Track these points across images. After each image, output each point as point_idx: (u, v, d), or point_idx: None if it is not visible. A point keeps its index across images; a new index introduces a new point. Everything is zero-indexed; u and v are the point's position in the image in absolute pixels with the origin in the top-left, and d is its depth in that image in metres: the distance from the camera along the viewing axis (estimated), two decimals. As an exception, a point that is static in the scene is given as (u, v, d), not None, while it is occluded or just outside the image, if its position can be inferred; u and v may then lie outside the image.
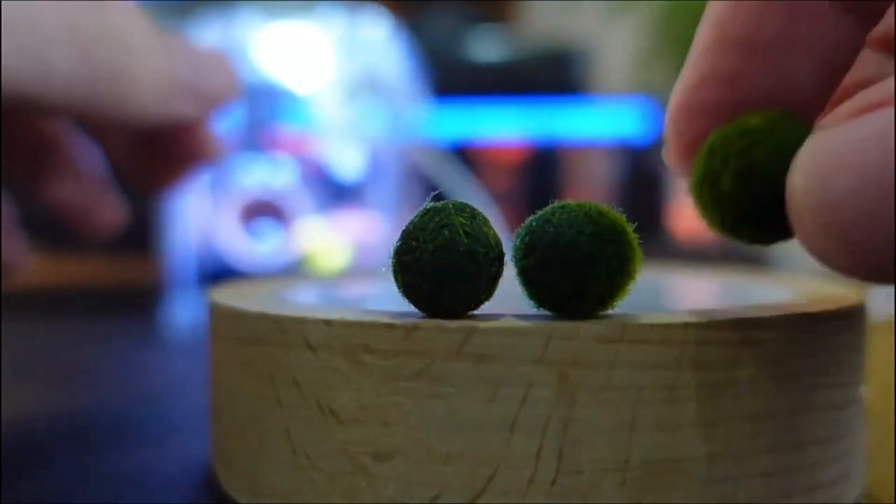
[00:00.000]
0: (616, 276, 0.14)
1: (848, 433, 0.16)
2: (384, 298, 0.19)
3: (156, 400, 0.28)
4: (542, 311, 0.14)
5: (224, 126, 0.42)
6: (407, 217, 0.15)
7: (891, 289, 0.34)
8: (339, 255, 0.48)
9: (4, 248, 0.25)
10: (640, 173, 0.74)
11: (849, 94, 0.15)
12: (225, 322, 0.17)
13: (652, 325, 0.13)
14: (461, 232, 0.14)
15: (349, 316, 0.14)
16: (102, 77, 0.19)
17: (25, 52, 0.17)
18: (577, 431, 0.13)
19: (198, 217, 0.47)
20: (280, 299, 0.18)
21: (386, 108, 0.49)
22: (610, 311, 0.14)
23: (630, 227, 0.14)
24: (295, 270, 0.46)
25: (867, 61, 0.16)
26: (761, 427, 0.14)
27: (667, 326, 0.13)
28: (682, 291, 0.22)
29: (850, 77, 0.16)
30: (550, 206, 0.14)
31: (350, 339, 0.14)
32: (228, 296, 0.18)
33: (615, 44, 0.85)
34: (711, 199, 0.14)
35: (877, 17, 0.15)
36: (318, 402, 0.15)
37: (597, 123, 0.71)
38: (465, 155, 0.65)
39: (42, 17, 0.18)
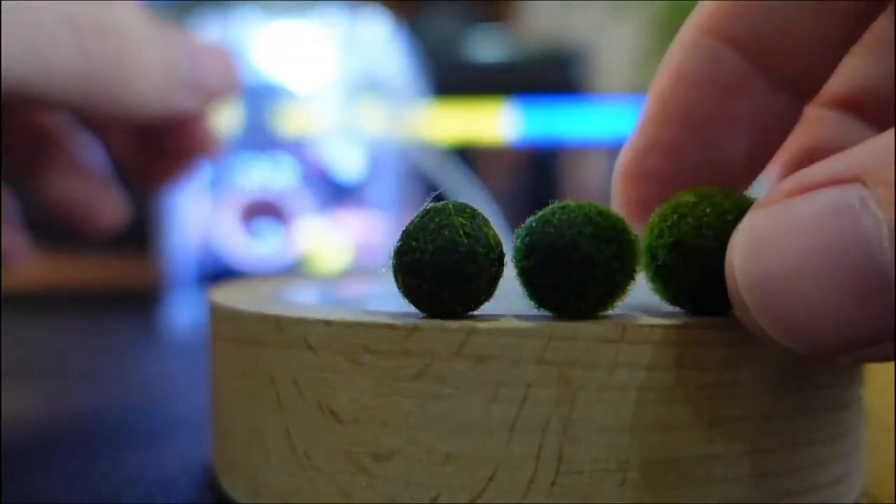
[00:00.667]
0: (616, 276, 0.14)
1: (848, 433, 0.16)
2: (384, 298, 0.19)
3: (156, 400, 0.28)
4: (542, 312, 0.14)
5: (223, 123, 0.42)
6: (407, 217, 0.15)
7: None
8: (339, 255, 0.48)
9: (4, 240, 0.25)
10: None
11: (793, 158, 0.16)
12: (225, 322, 0.17)
13: (652, 325, 0.13)
14: (461, 232, 0.14)
15: (349, 316, 0.14)
16: (101, 70, 0.19)
17: (24, 45, 0.17)
18: (577, 431, 0.13)
19: (198, 217, 0.47)
20: (280, 299, 0.18)
21: (386, 108, 0.49)
22: (610, 311, 0.14)
23: (630, 227, 0.14)
24: (295, 270, 0.46)
25: (818, 124, 0.17)
26: (761, 427, 0.14)
27: (667, 326, 0.14)
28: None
29: (794, 141, 0.16)
30: (550, 206, 0.14)
31: (350, 340, 0.14)
32: (228, 296, 0.18)
33: (615, 44, 0.85)
34: (654, 272, 0.15)
35: (816, 87, 0.16)
36: (318, 402, 0.15)
37: (597, 123, 0.71)
38: (466, 155, 0.65)
39: (41, 10, 0.18)
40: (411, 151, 0.50)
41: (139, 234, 0.54)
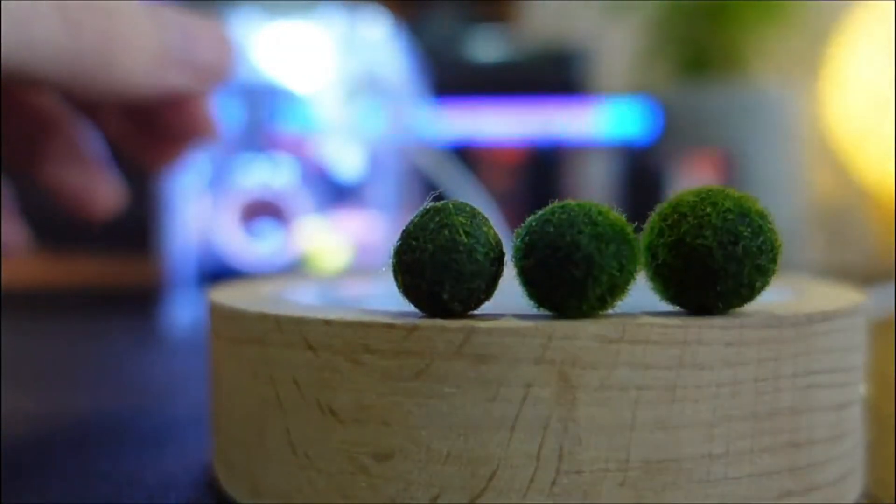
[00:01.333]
0: (616, 276, 0.14)
1: (848, 433, 0.16)
2: (384, 298, 0.19)
3: (156, 400, 0.28)
4: (542, 311, 0.14)
5: (221, 115, 0.42)
6: (407, 217, 0.15)
7: (891, 289, 0.34)
8: (339, 255, 0.48)
9: (4, 231, 0.24)
10: (640, 173, 0.74)
11: None
12: (225, 322, 0.17)
13: (652, 325, 0.13)
14: (461, 232, 0.14)
15: (349, 316, 0.14)
16: (89, 46, 0.18)
17: (8, 20, 0.17)
18: (577, 431, 0.13)
19: (198, 217, 0.47)
20: (280, 299, 0.18)
21: (386, 108, 0.49)
22: (610, 311, 0.14)
23: (630, 227, 0.14)
24: (295, 270, 0.46)
25: None
26: (761, 427, 0.14)
27: (667, 326, 0.14)
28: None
29: None
30: (550, 206, 0.14)
31: (350, 339, 0.14)
32: (228, 296, 0.18)
33: (615, 44, 0.85)
34: (654, 271, 0.15)
35: None
36: (318, 401, 0.15)
37: (597, 123, 0.71)
38: (465, 155, 0.65)
39: None
40: (411, 151, 0.50)
41: (140, 234, 0.54)
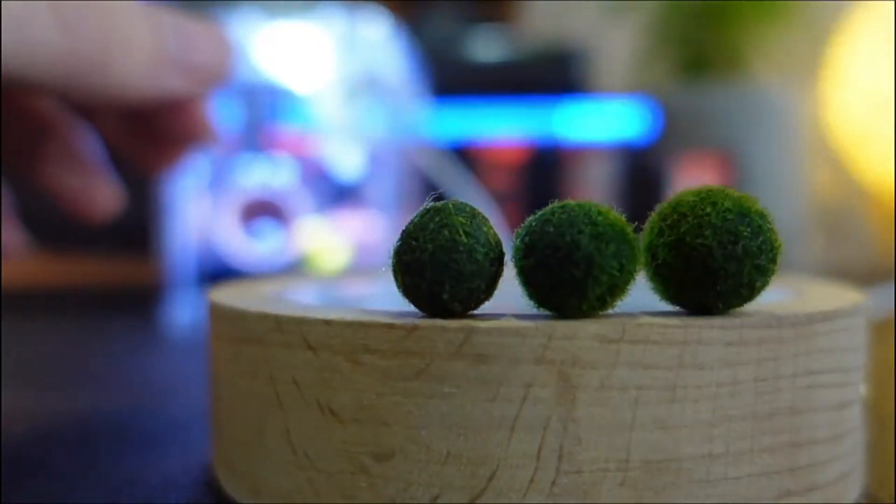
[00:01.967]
0: (616, 276, 0.14)
1: (848, 433, 0.16)
2: (384, 298, 0.19)
3: (156, 400, 0.28)
4: (542, 311, 0.14)
5: (221, 116, 0.42)
6: (407, 217, 0.15)
7: (891, 289, 0.34)
8: (339, 255, 0.48)
9: (3, 234, 0.24)
10: (640, 173, 0.74)
11: None
12: (225, 322, 0.17)
13: (652, 325, 0.13)
14: (461, 232, 0.14)
15: (349, 316, 0.14)
16: (85, 48, 0.18)
17: (4, 22, 0.17)
18: (577, 431, 0.13)
19: (198, 217, 0.47)
20: (280, 299, 0.18)
21: (386, 108, 0.49)
22: (610, 311, 0.14)
23: (630, 227, 0.14)
24: (295, 270, 0.46)
25: None
26: (761, 427, 0.14)
27: (667, 326, 0.14)
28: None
29: None
30: (550, 206, 0.14)
31: (350, 339, 0.14)
32: (228, 296, 0.18)
33: (615, 44, 0.85)
34: (653, 270, 0.15)
35: None
36: (318, 401, 0.15)
37: (597, 123, 0.71)
38: (465, 155, 0.65)
39: None
40: (411, 151, 0.50)
41: (140, 234, 0.54)
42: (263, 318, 0.15)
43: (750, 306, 0.15)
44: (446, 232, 0.14)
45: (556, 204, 0.14)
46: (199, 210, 0.47)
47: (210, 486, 0.18)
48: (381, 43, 0.49)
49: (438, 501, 0.14)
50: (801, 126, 0.82)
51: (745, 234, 0.14)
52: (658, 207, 0.15)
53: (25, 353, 0.38)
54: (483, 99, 0.70)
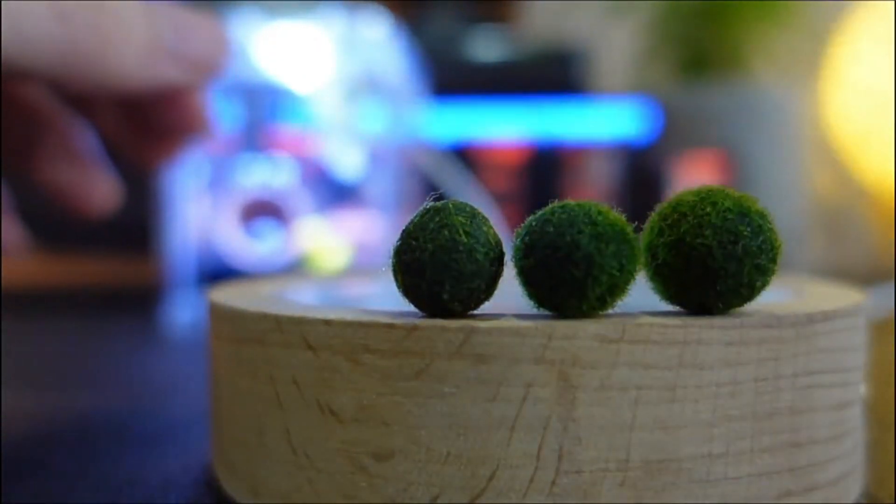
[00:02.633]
0: (616, 276, 0.14)
1: (848, 433, 0.16)
2: (384, 298, 0.19)
3: (156, 400, 0.28)
4: (542, 311, 0.14)
5: (220, 113, 0.42)
6: (407, 217, 0.15)
7: (891, 289, 0.34)
8: (339, 254, 0.48)
9: (3, 231, 0.24)
10: (640, 173, 0.74)
11: None
12: (225, 322, 0.17)
13: (652, 325, 0.13)
14: (461, 232, 0.14)
15: (349, 316, 0.14)
16: (80, 38, 0.18)
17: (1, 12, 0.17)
18: (577, 431, 0.13)
19: (198, 217, 0.47)
20: (280, 299, 0.18)
21: (386, 108, 0.49)
22: (610, 311, 0.14)
23: (630, 227, 0.14)
24: (295, 270, 0.46)
25: None
26: (761, 427, 0.14)
27: (667, 326, 0.13)
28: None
29: None
30: (550, 206, 0.14)
31: (350, 339, 0.14)
32: (228, 296, 0.18)
33: (615, 44, 0.85)
34: (653, 270, 0.15)
35: None
36: (318, 401, 0.15)
37: (597, 123, 0.71)
38: (465, 155, 0.65)
39: None
40: (411, 151, 0.50)
41: (140, 234, 0.54)
42: (263, 318, 0.15)
43: (750, 306, 0.15)
44: (446, 232, 0.14)
45: (556, 204, 0.14)
46: (198, 210, 0.47)
47: (210, 486, 0.18)
48: (381, 43, 0.49)
49: (438, 501, 0.14)
50: (801, 126, 0.82)
51: (745, 233, 0.14)
52: (658, 207, 0.15)
53: (25, 353, 0.38)
54: (483, 99, 0.70)
